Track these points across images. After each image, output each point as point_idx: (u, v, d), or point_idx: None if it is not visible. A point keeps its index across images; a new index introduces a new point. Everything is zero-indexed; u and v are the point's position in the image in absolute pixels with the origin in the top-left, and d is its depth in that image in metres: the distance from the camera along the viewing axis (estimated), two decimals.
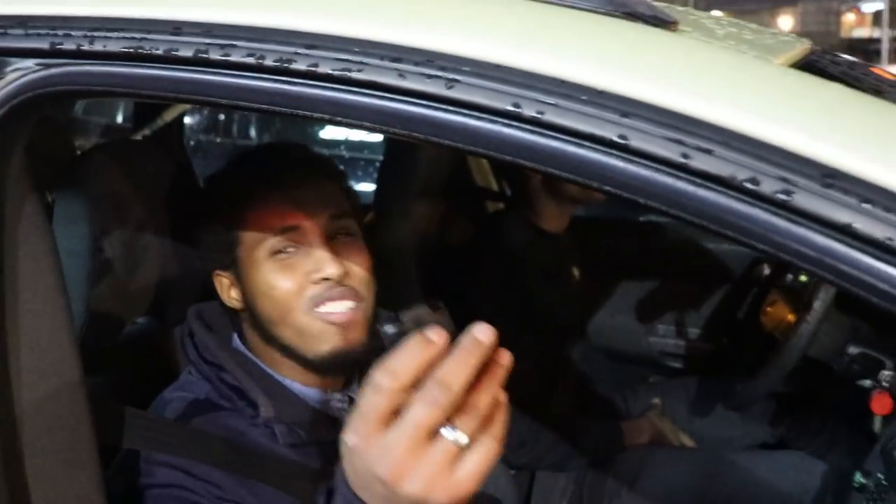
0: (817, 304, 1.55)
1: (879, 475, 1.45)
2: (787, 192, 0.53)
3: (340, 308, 1.00)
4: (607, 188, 0.58)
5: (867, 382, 1.67)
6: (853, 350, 1.65)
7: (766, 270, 2.18)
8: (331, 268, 0.99)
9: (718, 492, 1.66)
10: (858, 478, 1.50)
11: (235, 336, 1.11)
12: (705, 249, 2.27)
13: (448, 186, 2.04)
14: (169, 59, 0.68)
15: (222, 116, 4.11)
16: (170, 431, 0.98)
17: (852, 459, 1.76)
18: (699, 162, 0.55)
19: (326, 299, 1.00)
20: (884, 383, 1.55)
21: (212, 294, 1.12)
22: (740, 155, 0.54)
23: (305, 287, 1.00)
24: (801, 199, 0.53)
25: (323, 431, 1.03)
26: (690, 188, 0.55)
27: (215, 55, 0.67)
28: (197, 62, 0.67)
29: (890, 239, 0.52)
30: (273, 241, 1.01)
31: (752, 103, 0.57)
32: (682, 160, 0.55)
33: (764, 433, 1.96)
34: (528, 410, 1.64)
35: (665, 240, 2.37)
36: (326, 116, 0.65)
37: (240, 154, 1.15)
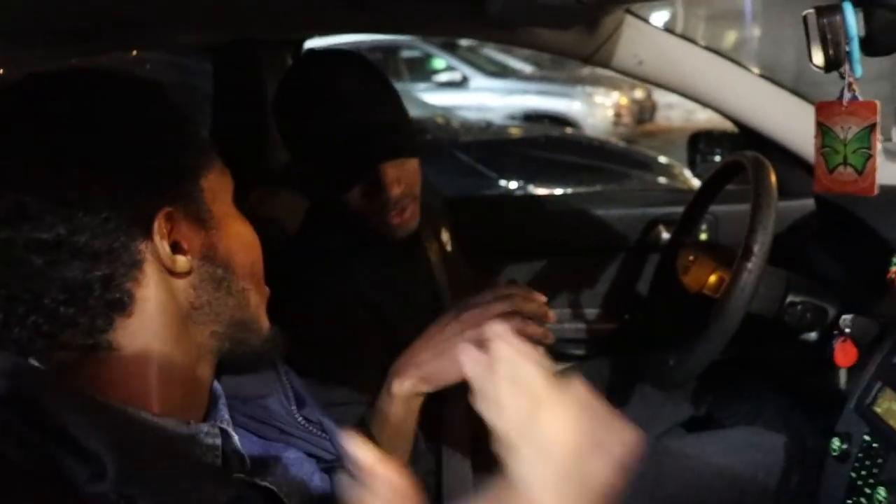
0: (757, 249, 1.31)
1: (866, 437, 1.23)
2: None
3: None
4: None
5: (812, 335, 1.45)
6: (794, 300, 1.43)
7: (664, 233, 1.96)
8: None
9: (669, 479, 1.38)
10: (837, 444, 1.26)
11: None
12: (593, 218, 2.02)
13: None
14: None
15: None
16: None
17: (799, 426, 1.55)
18: None
19: None
20: (846, 329, 1.32)
21: None
22: None
23: None
24: None
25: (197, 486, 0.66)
26: None
27: None
28: None
29: None
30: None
31: None
32: None
33: (687, 409, 1.72)
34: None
35: (547, 212, 2.10)
36: None
37: None
